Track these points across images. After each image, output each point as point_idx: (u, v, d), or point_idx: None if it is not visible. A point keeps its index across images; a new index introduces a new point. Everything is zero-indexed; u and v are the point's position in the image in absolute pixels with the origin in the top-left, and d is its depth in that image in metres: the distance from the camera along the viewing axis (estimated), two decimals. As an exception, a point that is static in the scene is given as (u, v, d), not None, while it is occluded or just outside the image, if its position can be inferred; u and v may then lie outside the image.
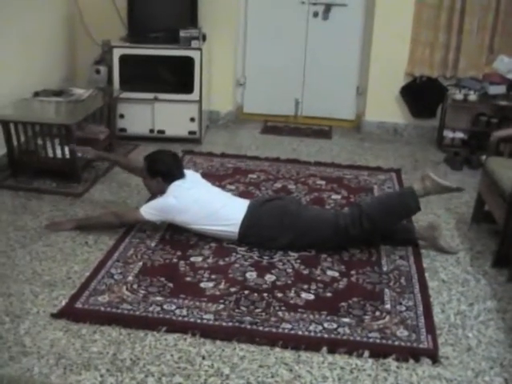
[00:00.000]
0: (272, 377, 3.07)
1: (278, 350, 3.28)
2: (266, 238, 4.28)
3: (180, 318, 3.50)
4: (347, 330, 3.44)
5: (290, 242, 4.28)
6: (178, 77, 6.65)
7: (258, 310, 3.60)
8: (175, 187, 4.40)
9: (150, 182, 4.50)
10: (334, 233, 4.23)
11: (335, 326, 3.48)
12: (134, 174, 4.93)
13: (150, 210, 4.36)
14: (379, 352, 3.27)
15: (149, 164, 4.53)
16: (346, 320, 3.53)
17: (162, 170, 4.46)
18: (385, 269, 4.14)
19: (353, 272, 4.08)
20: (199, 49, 6.32)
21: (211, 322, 3.47)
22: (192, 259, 4.16)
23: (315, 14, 7.31)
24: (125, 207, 4.86)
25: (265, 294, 3.77)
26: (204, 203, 4.36)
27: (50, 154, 5.29)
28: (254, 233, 4.30)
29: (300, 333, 3.41)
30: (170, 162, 4.55)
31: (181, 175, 4.50)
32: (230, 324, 3.46)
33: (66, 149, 5.22)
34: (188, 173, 4.62)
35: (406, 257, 4.32)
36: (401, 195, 4.40)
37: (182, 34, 6.31)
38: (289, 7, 7.35)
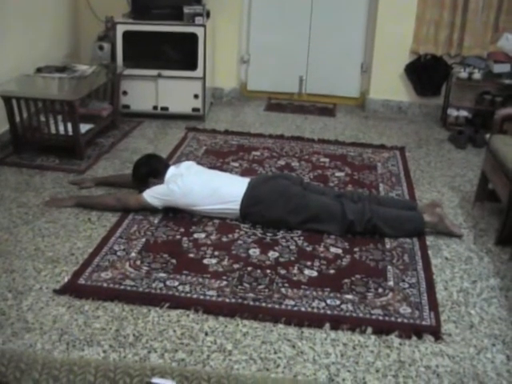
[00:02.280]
0: (275, 353, 3.08)
1: (280, 326, 3.29)
2: (268, 218, 4.29)
3: (183, 295, 3.50)
4: (350, 307, 3.44)
5: (294, 226, 4.29)
6: (181, 53, 6.62)
7: (261, 287, 3.60)
8: (172, 175, 4.45)
9: (148, 187, 4.49)
10: (341, 225, 4.24)
11: (338, 302, 3.48)
12: (129, 187, 4.84)
13: (154, 195, 4.37)
14: (382, 329, 3.28)
15: (135, 177, 4.63)
16: (349, 297, 3.54)
17: (147, 170, 4.55)
18: (388, 246, 4.14)
19: (356, 249, 4.08)
20: (203, 25, 6.28)
21: (214, 299, 3.48)
22: (195, 236, 4.16)
23: (320, -9, 7.27)
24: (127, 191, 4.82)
25: (268, 271, 3.77)
26: (203, 183, 4.37)
27: (53, 131, 5.28)
28: (256, 212, 4.30)
29: (303, 309, 3.41)
30: (147, 161, 4.65)
31: (166, 166, 4.60)
32: (233, 300, 3.47)
33: (69, 125, 5.20)
34: (182, 163, 4.70)
35: (408, 235, 4.30)
36: (411, 221, 4.34)
37: (186, 10, 6.27)
38: (293, -17, 7.31)
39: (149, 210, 4.42)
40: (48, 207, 4.49)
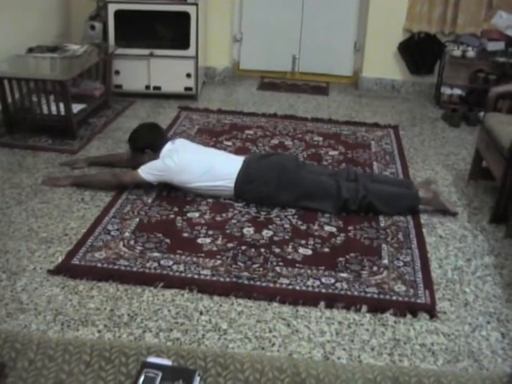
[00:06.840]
0: (270, 332, 3.08)
1: (275, 305, 3.28)
2: (262, 194, 4.27)
3: (177, 274, 3.50)
4: (345, 285, 3.44)
5: (288, 202, 4.28)
6: (173, 32, 6.57)
7: (255, 266, 3.59)
8: (168, 151, 4.41)
9: (142, 158, 4.46)
10: (335, 203, 4.23)
11: (333, 281, 3.48)
12: (121, 166, 4.82)
13: (149, 170, 4.34)
14: (377, 307, 3.28)
15: (133, 143, 4.56)
16: (344, 275, 3.54)
17: (147, 142, 4.48)
18: (382, 224, 4.14)
19: (350, 227, 4.07)
20: (195, 4, 6.24)
21: (209, 278, 3.47)
22: (189, 215, 4.15)
23: (312, -31, 7.23)
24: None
25: (262, 250, 3.77)
26: (199, 160, 4.36)
27: (45, 111, 5.24)
28: (250, 189, 4.29)
29: (298, 288, 3.41)
30: (150, 132, 4.59)
31: (166, 140, 4.56)
32: (228, 279, 3.46)
33: (61, 105, 5.17)
34: (177, 140, 4.65)
35: (403, 212, 4.30)
36: (406, 198, 4.33)
37: (178, -12, 6.25)
38: (286, -39, 7.26)
39: (143, 186, 4.42)
40: (45, 186, 4.48)
